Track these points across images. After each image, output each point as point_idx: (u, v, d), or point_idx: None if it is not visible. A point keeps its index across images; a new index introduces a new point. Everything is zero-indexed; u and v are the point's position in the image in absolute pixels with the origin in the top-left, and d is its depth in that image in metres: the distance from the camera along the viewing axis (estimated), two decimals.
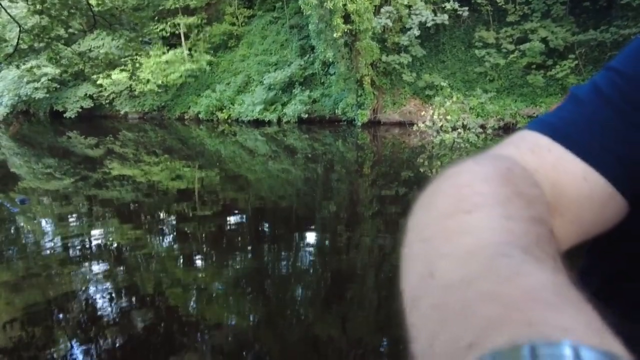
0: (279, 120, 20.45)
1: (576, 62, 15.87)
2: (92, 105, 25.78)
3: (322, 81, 20.60)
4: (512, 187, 0.37)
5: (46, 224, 7.10)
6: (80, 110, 25.59)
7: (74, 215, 7.56)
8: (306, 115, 19.88)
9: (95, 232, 6.54)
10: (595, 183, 0.42)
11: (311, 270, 5.22)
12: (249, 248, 5.99)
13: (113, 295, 4.53)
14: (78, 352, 3.53)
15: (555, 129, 0.46)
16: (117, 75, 21.29)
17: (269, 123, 20.50)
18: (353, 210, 7.75)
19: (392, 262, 5.22)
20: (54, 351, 3.55)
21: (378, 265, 5.14)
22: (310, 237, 6.32)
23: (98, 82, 24.19)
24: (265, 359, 3.42)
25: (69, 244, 6.02)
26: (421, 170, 10.51)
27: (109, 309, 4.26)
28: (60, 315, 4.16)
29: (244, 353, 3.51)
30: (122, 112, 25.79)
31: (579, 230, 0.42)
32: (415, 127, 16.36)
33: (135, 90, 24.35)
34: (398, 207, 7.55)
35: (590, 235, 0.44)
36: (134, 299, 4.48)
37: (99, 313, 4.14)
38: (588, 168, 0.43)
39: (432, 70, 18.67)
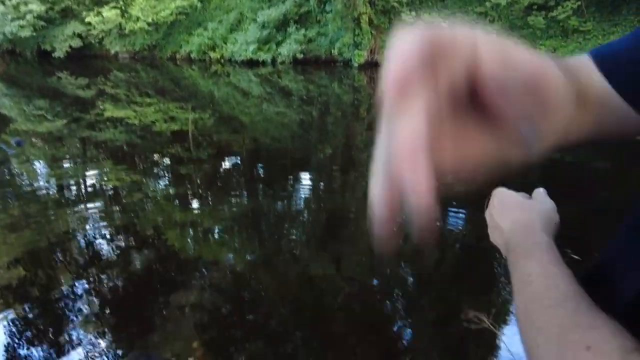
0: (274, 60, 19.99)
1: (579, 3, 15.39)
2: (82, 44, 24.99)
3: (317, 19, 19.96)
4: None
5: (42, 166, 7.08)
6: (69, 49, 24.82)
7: (68, 157, 7.53)
8: (301, 56, 19.42)
9: (91, 174, 6.54)
10: (611, 93, 0.50)
11: (306, 211, 5.29)
12: (244, 189, 6.04)
13: (111, 235, 4.60)
14: (79, 290, 3.63)
15: (600, 55, 0.53)
16: (108, 12, 20.54)
17: (263, 63, 20.05)
18: (348, 153, 7.75)
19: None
20: (56, 289, 3.65)
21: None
22: (305, 179, 6.36)
23: (86, 20, 23.35)
24: (261, 296, 3.53)
25: (65, 186, 6.04)
26: None
27: (108, 249, 4.34)
28: (60, 255, 4.24)
29: (241, 290, 3.62)
30: (112, 52, 25.07)
31: (595, 121, 0.50)
32: None
33: (125, 29, 23.56)
34: None
35: (603, 132, 0.51)
36: (132, 239, 4.55)
37: (98, 253, 4.22)
38: (607, 84, 0.50)
39: (432, 9, 18.11)
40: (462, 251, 4.21)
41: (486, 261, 3.90)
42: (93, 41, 25.02)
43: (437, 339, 3.03)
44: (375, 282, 3.73)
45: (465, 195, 5.49)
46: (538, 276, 0.52)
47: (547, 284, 0.50)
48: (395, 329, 3.14)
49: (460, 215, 4.93)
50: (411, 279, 3.84)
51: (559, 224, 0.68)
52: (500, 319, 2.99)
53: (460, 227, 4.68)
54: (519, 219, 0.68)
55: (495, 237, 0.74)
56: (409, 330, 3.12)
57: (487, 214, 0.77)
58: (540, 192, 0.77)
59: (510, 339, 2.84)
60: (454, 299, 3.45)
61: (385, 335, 3.06)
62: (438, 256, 4.12)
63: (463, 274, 3.82)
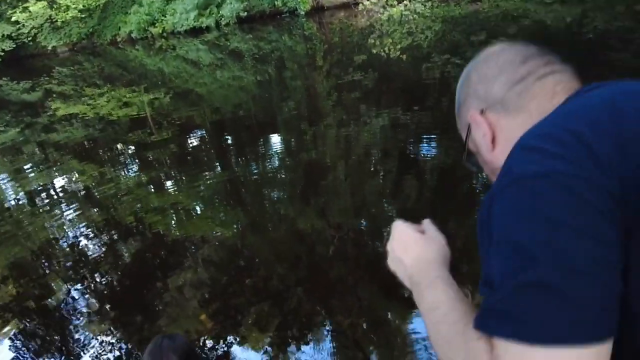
0: (217, 24, 19.29)
1: None
2: (14, 46, 23.61)
3: None
4: None
5: (5, 179, 6.86)
6: (1, 54, 23.45)
7: (30, 164, 7.30)
8: (245, 14, 18.78)
9: (58, 177, 6.38)
10: None
11: (283, 171, 5.30)
12: (216, 161, 5.98)
13: (94, 233, 4.55)
14: (75, 293, 3.62)
15: None
16: (34, 6, 19.30)
17: (208, 29, 19.35)
18: (313, 105, 7.69)
19: (359, 147, 5.33)
20: (52, 296, 3.64)
21: (346, 153, 5.24)
22: (275, 139, 6.32)
23: (13, 18, 21.96)
24: (256, 260, 3.58)
25: (35, 194, 5.89)
26: (374, 51, 10.31)
27: (94, 247, 4.30)
28: (47, 263, 4.20)
29: (235, 259, 3.67)
30: (49, 48, 23.79)
31: None
32: (360, 7, 15.76)
33: (57, 21, 22.28)
34: (357, 93, 7.52)
35: None
36: (115, 233, 4.52)
37: (85, 253, 4.19)
38: None
39: None
40: (440, 177, 4.31)
41: (464, 182, 4.01)
42: (26, 40, 23.63)
43: None
44: (362, 223, 3.81)
45: (438, 124, 5.56)
46: (442, 302, 0.66)
47: (450, 306, 0.64)
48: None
49: (434, 143, 5.00)
50: (396, 213, 3.93)
51: (451, 256, 0.81)
52: None
53: (435, 155, 4.76)
54: (420, 255, 0.79)
55: (396, 268, 0.86)
56: None
57: (389, 247, 0.89)
58: (429, 224, 0.88)
59: None
60: (439, 224, 3.56)
61: (382, 272, 3.16)
62: (418, 186, 4.21)
63: (444, 199, 3.92)
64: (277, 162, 5.51)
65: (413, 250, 0.81)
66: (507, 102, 0.70)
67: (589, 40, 7.92)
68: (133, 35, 21.54)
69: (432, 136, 5.16)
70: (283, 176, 5.19)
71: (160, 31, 20.83)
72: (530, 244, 0.49)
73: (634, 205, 0.49)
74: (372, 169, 4.83)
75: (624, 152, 0.50)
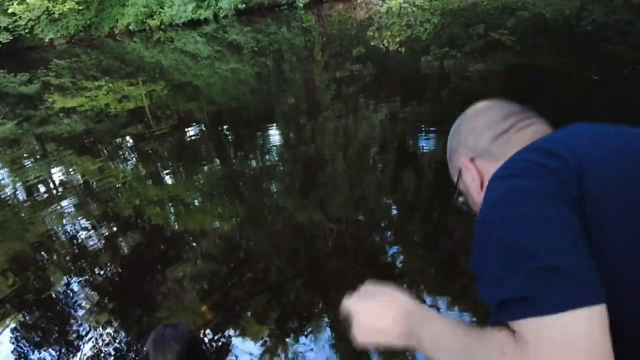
0: (216, 16, 19.20)
1: None
2: (11, 38, 23.45)
3: None
4: None
5: (4, 173, 6.86)
6: None
7: (29, 157, 7.30)
8: (243, 6, 18.69)
9: (57, 170, 6.38)
10: None
11: (281, 164, 5.30)
12: (215, 154, 5.99)
13: (93, 226, 4.56)
14: (76, 285, 3.64)
15: None
16: None
17: (206, 21, 19.26)
18: (311, 98, 7.69)
19: (358, 140, 5.34)
20: (52, 289, 3.65)
21: (345, 146, 5.25)
22: (274, 132, 6.32)
23: (9, 10, 21.79)
24: (254, 254, 3.60)
25: (34, 187, 5.89)
26: (372, 43, 10.29)
27: (93, 239, 4.31)
28: (47, 255, 4.21)
29: (234, 252, 3.68)
30: (46, 40, 23.64)
31: None
32: None
33: (54, 13, 22.12)
34: (355, 86, 7.51)
35: None
36: (114, 226, 4.53)
37: (84, 246, 4.20)
38: None
39: None
40: (438, 170, 4.32)
41: None
42: (23, 32, 23.48)
43: (429, 257, 3.16)
44: (360, 216, 3.83)
45: (436, 116, 5.56)
46: (443, 328, 0.69)
47: (453, 324, 0.69)
48: (387, 256, 3.27)
49: (432, 135, 5.01)
50: (394, 206, 3.95)
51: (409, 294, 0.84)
52: None
53: (433, 147, 4.77)
54: (395, 312, 0.79)
55: (378, 339, 0.81)
56: (400, 255, 3.24)
57: (356, 329, 0.84)
58: (368, 287, 0.87)
59: None
60: (438, 216, 3.58)
61: (380, 263, 3.19)
62: (416, 179, 4.23)
63: (442, 191, 3.93)
64: (275, 155, 5.52)
65: (386, 313, 0.80)
66: (492, 151, 0.83)
67: (587, 32, 7.91)
68: (131, 27, 21.42)
69: (431, 129, 5.17)
70: (282, 169, 5.20)
71: (158, 23, 20.72)
72: (523, 240, 0.60)
73: (588, 206, 0.62)
74: (370, 162, 4.84)
75: (579, 169, 0.64)
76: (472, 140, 0.88)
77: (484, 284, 0.65)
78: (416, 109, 5.93)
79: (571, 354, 0.53)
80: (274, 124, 6.62)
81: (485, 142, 0.85)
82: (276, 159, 5.43)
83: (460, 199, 0.95)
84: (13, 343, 3.14)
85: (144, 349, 1.70)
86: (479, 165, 0.86)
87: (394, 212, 3.89)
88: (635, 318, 0.59)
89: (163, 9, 20.66)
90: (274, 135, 6.21)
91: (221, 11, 18.97)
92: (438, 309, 2.64)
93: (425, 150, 4.74)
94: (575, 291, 0.55)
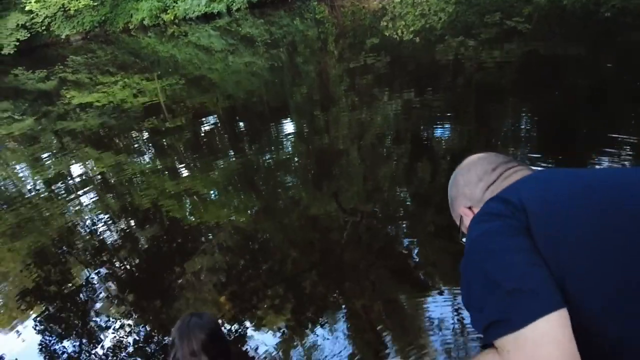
0: (229, 9, 19.21)
1: None
2: (28, 35, 23.77)
3: None
4: None
5: (25, 167, 6.99)
6: (17, 43, 23.64)
7: (48, 152, 7.42)
8: None
9: (75, 165, 6.48)
10: None
11: (296, 156, 5.32)
12: (230, 147, 6.02)
13: (111, 219, 4.64)
14: (95, 278, 3.71)
15: None
16: None
17: (219, 15, 19.29)
18: (325, 90, 7.67)
19: (372, 131, 5.32)
20: (73, 283, 3.73)
21: (359, 137, 5.24)
22: (288, 124, 6.33)
23: (27, 8, 22.08)
24: (270, 245, 3.63)
25: (53, 182, 6.00)
26: (386, 33, 10.21)
27: (112, 233, 4.39)
28: (67, 249, 4.30)
29: (249, 244, 3.71)
30: (62, 37, 23.91)
31: None
32: None
33: (69, 9, 22.35)
34: (369, 77, 7.47)
35: None
36: (132, 219, 4.60)
37: (103, 239, 4.28)
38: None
39: None
40: (454, 160, 4.29)
41: None
42: (40, 29, 23.80)
43: (444, 249, 3.16)
44: (375, 208, 3.82)
45: (451, 106, 5.51)
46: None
47: None
48: (402, 248, 3.27)
49: (447, 126, 4.98)
50: (409, 197, 3.94)
51: None
52: None
53: (449, 137, 4.74)
54: None
55: None
56: (415, 247, 3.24)
57: None
58: None
59: None
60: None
61: (395, 255, 3.19)
62: (430, 170, 4.21)
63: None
64: (289, 147, 5.53)
65: None
66: (485, 200, 1.00)
67: (606, 19, 7.74)
68: (145, 22, 21.56)
69: (446, 119, 5.13)
70: (296, 161, 5.21)
71: (172, 18, 20.81)
72: (492, 272, 0.77)
73: (533, 230, 0.81)
74: (385, 153, 4.83)
75: (523, 207, 0.84)
76: (468, 191, 1.07)
77: (471, 314, 0.81)
78: (431, 99, 5.88)
79: (543, 353, 0.67)
80: (288, 116, 6.63)
81: (479, 193, 1.03)
82: (290, 151, 5.44)
83: (464, 239, 1.09)
84: (37, 335, 3.23)
85: (170, 337, 1.73)
86: (476, 212, 1.02)
87: (409, 203, 3.88)
88: (587, 305, 0.73)
89: (176, 3, 20.73)
90: (288, 127, 6.22)
91: (234, 4, 18.97)
92: (453, 299, 2.64)
93: (440, 141, 4.71)
94: (536, 304, 0.70)
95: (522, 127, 4.67)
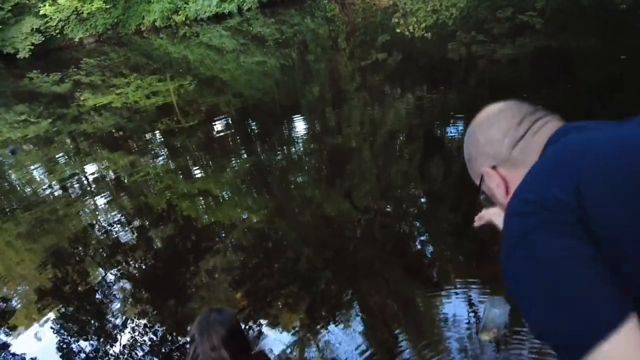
0: (240, 9, 19.27)
1: None
2: (43, 39, 24.10)
3: None
4: None
5: (41, 169, 7.10)
6: (32, 47, 23.98)
7: (63, 154, 7.52)
8: None
9: (90, 166, 6.56)
10: None
11: (308, 155, 5.32)
12: (242, 147, 6.05)
13: (126, 219, 4.69)
14: (111, 277, 3.76)
15: None
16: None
17: (230, 15, 19.36)
18: (336, 88, 7.66)
19: (384, 129, 5.30)
20: (89, 282, 3.78)
21: (371, 135, 5.22)
22: (299, 124, 6.34)
23: (41, 12, 22.41)
24: (283, 244, 3.64)
25: (69, 183, 6.08)
26: (397, 30, 10.16)
27: (127, 233, 4.44)
28: (83, 249, 4.35)
29: (263, 243, 3.73)
30: (76, 40, 24.21)
31: None
32: None
33: (82, 13, 22.63)
34: (380, 74, 7.45)
35: None
36: (147, 219, 4.64)
37: (118, 239, 4.32)
38: None
39: None
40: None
41: None
42: (54, 33, 24.12)
43: (458, 247, 3.14)
44: (388, 206, 3.81)
45: (464, 103, 5.47)
46: None
47: None
48: (416, 246, 3.25)
49: (460, 122, 4.94)
50: (422, 195, 3.92)
51: None
52: None
53: (460, 135, 4.70)
54: None
55: None
56: (429, 245, 3.23)
57: None
58: None
59: None
60: (466, 204, 3.54)
61: (408, 253, 3.18)
62: (443, 167, 4.18)
63: (469, 180, 3.87)
64: (301, 145, 5.53)
65: None
66: (513, 159, 0.88)
67: (621, 11, 7.62)
68: (157, 23, 21.72)
69: (459, 116, 5.09)
70: (308, 160, 5.22)
71: (184, 19, 20.93)
72: (549, 289, 0.68)
73: (592, 223, 0.67)
74: (397, 151, 4.81)
75: (582, 188, 0.68)
76: (491, 150, 0.92)
77: (530, 325, 0.73)
78: (443, 95, 5.84)
79: None
80: (300, 115, 6.63)
81: (505, 151, 0.90)
82: (302, 149, 5.45)
83: (483, 197, 1.01)
84: (54, 334, 3.28)
85: (188, 335, 1.75)
86: (502, 173, 0.90)
87: (422, 200, 3.86)
88: None
89: (188, 4, 20.85)
90: (300, 126, 6.23)
91: (245, 4, 19.02)
92: (468, 297, 2.62)
93: (453, 138, 4.68)
94: (603, 320, 0.64)
95: None
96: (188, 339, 2.67)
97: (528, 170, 0.82)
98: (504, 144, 0.90)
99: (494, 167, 0.92)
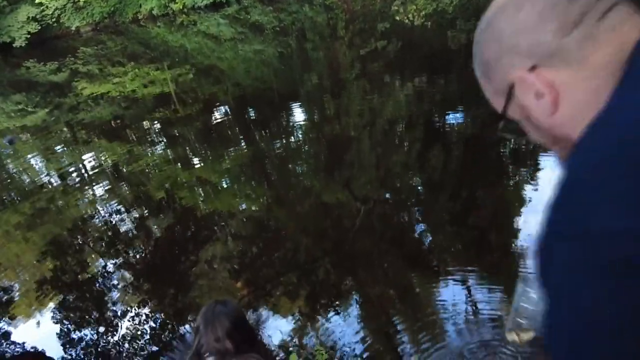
0: None
1: None
2: (39, 27, 23.89)
3: None
4: None
5: (39, 159, 7.07)
6: (28, 36, 23.77)
7: (61, 144, 7.49)
8: None
9: (88, 156, 6.53)
10: None
11: (307, 144, 5.30)
12: (240, 136, 6.02)
13: (125, 209, 4.68)
14: (111, 266, 3.76)
15: None
16: None
17: (228, 3, 19.19)
18: (335, 77, 7.62)
19: (383, 118, 5.28)
20: (88, 272, 3.78)
21: (370, 124, 5.20)
22: (298, 112, 6.30)
23: (37, 1, 22.20)
24: (283, 233, 3.64)
25: (67, 173, 6.06)
26: (397, 18, 10.09)
27: (126, 223, 4.43)
28: (82, 239, 4.35)
29: (262, 232, 3.73)
30: (72, 28, 24.00)
31: None
32: None
33: (79, 1, 22.43)
34: (380, 63, 7.40)
35: None
36: (145, 209, 4.63)
37: (117, 229, 4.32)
38: None
39: None
40: (464, 147, 4.24)
41: (490, 150, 3.94)
42: (50, 21, 23.90)
43: (456, 236, 3.13)
44: (387, 195, 3.81)
45: (464, 92, 5.44)
46: None
47: None
48: (415, 235, 3.25)
49: (459, 112, 4.91)
50: (421, 184, 3.91)
51: None
52: (513, 201, 3.08)
53: (461, 124, 4.68)
54: None
55: None
56: (428, 234, 3.22)
57: None
58: None
59: (526, 217, 2.94)
60: (466, 194, 3.53)
61: (407, 242, 3.18)
62: (442, 156, 4.16)
63: (469, 168, 3.87)
64: (300, 135, 5.51)
65: None
66: (566, 53, 0.54)
67: None
68: (154, 12, 21.53)
69: (458, 105, 5.06)
70: (307, 149, 5.20)
71: (181, 7, 20.75)
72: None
73: None
74: (396, 140, 4.80)
75: None
76: (525, 42, 0.56)
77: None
78: (443, 84, 5.81)
79: None
80: (299, 104, 6.60)
81: (551, 40, 0.54)
82: (301, 139, 5.43)
83: (501, 124, 0.64)
84: (54, 323, 3.28)
85: (195, 324, 1.75)
86: (547, 76, 0.55)
87: (421, 190, 3.85)
88: None
89: None
90: (299, 115, 6.19)
91: None
92: (465, 285, 2.62)
93: (452, 127, 4.66)
94: None
95: None
96: (188, 328, 2.68)
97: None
98: (547, 29, 0.54)
99: (534, 69, 0.56)
